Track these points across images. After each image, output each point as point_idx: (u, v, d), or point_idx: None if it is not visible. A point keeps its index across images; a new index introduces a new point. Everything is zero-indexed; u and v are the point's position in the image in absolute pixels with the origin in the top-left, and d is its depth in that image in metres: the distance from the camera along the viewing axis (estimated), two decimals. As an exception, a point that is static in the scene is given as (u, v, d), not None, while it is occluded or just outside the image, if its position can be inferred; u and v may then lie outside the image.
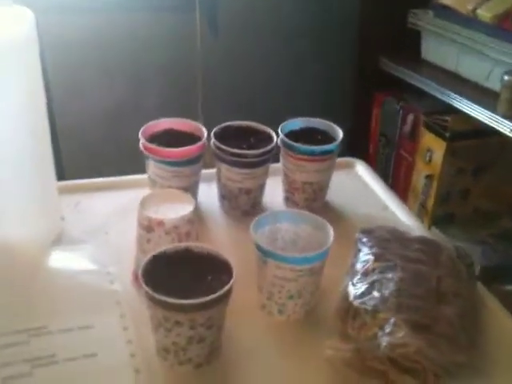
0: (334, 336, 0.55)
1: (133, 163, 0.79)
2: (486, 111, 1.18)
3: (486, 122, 1.18)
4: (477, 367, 0.54)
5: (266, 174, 0.75)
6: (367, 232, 0.66)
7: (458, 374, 0.53)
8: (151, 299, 0.49)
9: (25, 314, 0.55)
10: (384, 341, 0.51)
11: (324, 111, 0.86)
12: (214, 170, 0.78)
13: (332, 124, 0.78)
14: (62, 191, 0.75)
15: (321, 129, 0.79)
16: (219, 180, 0.76)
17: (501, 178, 1.38)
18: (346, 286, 0.58)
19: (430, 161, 1.38)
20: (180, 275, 0.52)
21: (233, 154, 0.71)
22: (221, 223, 0.76)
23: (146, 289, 0.49)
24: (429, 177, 1.39)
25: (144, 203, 0.60)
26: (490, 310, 0.62)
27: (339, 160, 0.80)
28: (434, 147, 1.36)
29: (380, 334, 0.52)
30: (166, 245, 0.58)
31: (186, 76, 1.55)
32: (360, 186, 0.87)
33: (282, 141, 0.74)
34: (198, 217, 0.61)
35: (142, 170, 0.76)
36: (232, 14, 1.55)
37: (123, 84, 1.56)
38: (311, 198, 0.77)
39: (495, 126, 1.16)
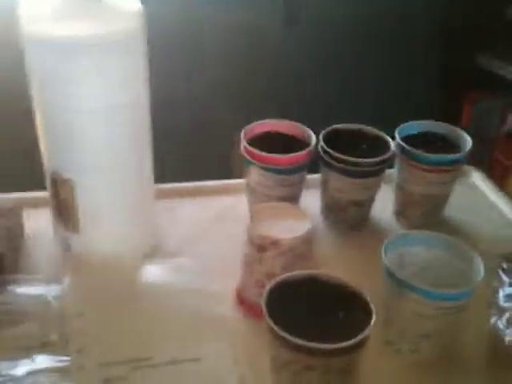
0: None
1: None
2: None
3: None
4: None
5: (379, 185, 0.67)
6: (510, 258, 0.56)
7: None
8: (278, 338, 0.41)
9: (125, 342, 0.49)
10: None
11: (412, 111, 0.76)
12: (314, 176, 0.70)
13: (456, 128, 0.69)
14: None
15: (440, 133, 0.69)
16: (325, 190, 0.68)
17: None
18: (495, 326, 0.49)
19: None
20: (307, 309, 0.45)
21: (346, 162, 0.63)
22: (325, 239, 0.68)
23: (272, 325, 0.41)
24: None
25: (254, 218, 0.53)
26: None
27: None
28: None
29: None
30: (278, 267, 0.51)
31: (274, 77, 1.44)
32: (479, 197, 0.77)
33: (401, 147, 0.65)
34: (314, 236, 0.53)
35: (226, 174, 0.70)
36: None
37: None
38: (428, 213, 0.68)
39: None
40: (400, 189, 0.68)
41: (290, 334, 0.40)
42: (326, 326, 0.43)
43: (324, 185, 0.67)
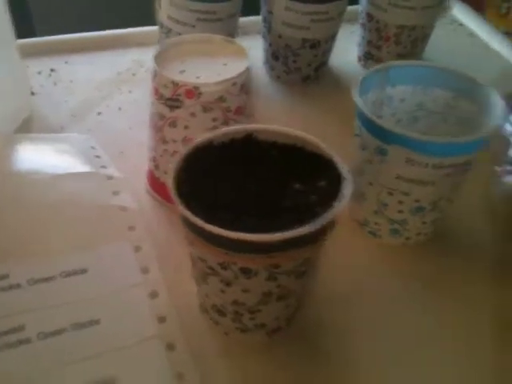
0: (495, 276, 0.32)
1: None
2: None
3: None
4: None
5: (341, 17, 0.49)
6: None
7: None
8: (196, 231, 0.25)
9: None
10: None
11: None
12: (255, 18, 0.52)
13: None
14: (29, 54, 0.50)
15: None
16: (269, 30, 0.49)
17: None
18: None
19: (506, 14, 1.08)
20: (244, 184, 0.28)
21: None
22: (272, 95, 0.51)
23: (187, 214, 0.25)
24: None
25: (163, 58, 0.35)
26: None
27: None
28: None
29: None
30: (203, 129, 0.33)
31: None
32: (462, 34, 0.60)
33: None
34: (250, 82, 0.36)
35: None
36: None
37: None
38: (406, 53, 0.51)
39: None
40: (370, 22, 0.51)
41: (210, 222, 0.24)
42: (276, 209, 0.27)
43: (267, 22, 0.49)
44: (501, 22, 1.08)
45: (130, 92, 0.49)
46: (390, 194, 0.33)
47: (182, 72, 0.34)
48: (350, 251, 0.35)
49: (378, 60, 0.52)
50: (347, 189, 0.26)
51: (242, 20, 0.51)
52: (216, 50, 0.36)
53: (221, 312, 0.29)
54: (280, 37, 0.49)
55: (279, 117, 0.46)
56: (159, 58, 0.35)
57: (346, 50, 0.55)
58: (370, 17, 0.51)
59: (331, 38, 0.50)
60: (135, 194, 0.35)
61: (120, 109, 0.46)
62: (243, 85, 0.34)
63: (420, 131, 0.34)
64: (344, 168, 0.27)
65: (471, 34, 0.60)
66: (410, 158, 0.31)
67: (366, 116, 0.32)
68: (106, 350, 0.28)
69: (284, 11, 0.47)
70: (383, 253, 0.36)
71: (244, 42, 0.46)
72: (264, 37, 0.51)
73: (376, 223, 0.36)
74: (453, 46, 0.57)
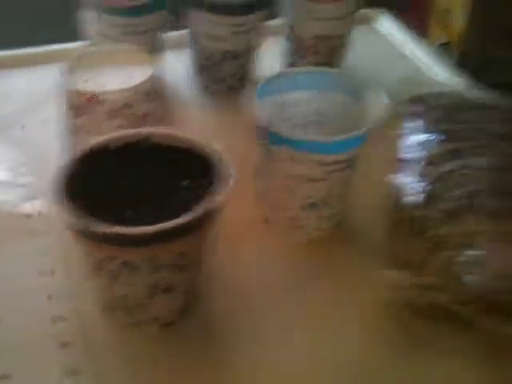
0: (388, 266, 0.34)
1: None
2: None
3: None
4: None
5: (261, 29, 0.51)
6: (418, 101, 0.44)
7: None
8: (79, 228, 0.27)
9: None
10: (471, 269, 0.31)
11: None
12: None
13: None
14: None
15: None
16: (194, 43, 0.52)
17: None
18: (398, 186, 0.37)
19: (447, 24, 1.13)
20: (135, 184, 0.30)
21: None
22: (199, 104, 0.53)
23: (67, 210, 0.27)
24: (444, 45, 1.15)
25: (71, 69, 0.37)
26: None
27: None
28: (452, 5, 1.10)
29: (465, 258, 0.32)
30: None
31: None
32: (385, 43, 0.64)
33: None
34: (163, 89, 0.38)
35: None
36: None
37: None
38: (325, 62, 0.54)
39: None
40: (290, 34, 0.54)
41: (96, 219, 0.26)
42: (163, 204, 0.29)
43: (193, 36, 0.51)
44: (443, 32, 1.13)
45: (54, 105, 0.50)
46: (284, 191, 0.36)
47: (87, 81, 0.36)
48: (252, 248, 0.38)
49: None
50: (222, 186, 0.28)
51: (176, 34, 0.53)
52: (124, 59, 0.39)
53: (113, 307, 0.31)
54: (204, 49, 0.51)
55: (197, 124, 0.48)
56: (68, 69, 0.37)
57: (275, 61, 0.57)
58: (291, 29, 0.53)
59: (252, 49, 0.52)
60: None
61: (44, 121, 0.48)
62: (149, 92, 0.37)
63: (324, 134, 0.37)
64: (225, 166, 0.29)
65: (393, 44, 0.64)
66: (296, 157, 0.33)
67: (256, 120, 0.34)
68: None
69: (205, 24, 0.49)
70: (284, 249, 0.38)
71: (175, 54, 0.49)
72: (191, 49, 0.53)
73: (276, 220, 0.38)
74: (374, 54, 0.60)
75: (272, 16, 0.54)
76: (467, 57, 0.82)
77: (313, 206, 0.36)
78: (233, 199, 0.40)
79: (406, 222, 0.35)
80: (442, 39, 1.14)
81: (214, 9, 0.47)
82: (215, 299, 0.34)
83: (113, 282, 0.28)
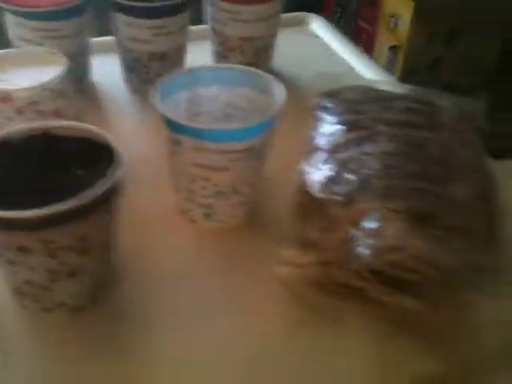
0: (288, 245, 0.36)
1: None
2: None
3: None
4: (501, 269, 0.37)
5: (185, 30, 0.53)
6: (331, 95, 0.46)
7: (476, 282, 0.35)
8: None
9: None
10: (364, 244, 0.33)
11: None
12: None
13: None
14: None
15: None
16: (120, 45, 0.53)
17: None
18: (304, 172, 0.39)
19: (395, 28, 1.16)
20: (33, 173, 0.32)
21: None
22: (127, 105, 0.54)
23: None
24: (393, 48, 1.18)
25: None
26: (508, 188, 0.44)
27: (287, 16, 0.59)
28: (399, 10, 1.14)
29: (358, 234, 0.34)
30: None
31: None
32: (317, 45, 0.66)
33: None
34: (70, 86, 0.39)
35: None
36: None
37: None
38: (252, 62, 0.56)
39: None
40: (216, 35, 0.56)
41: None
42: (60, 191, 0.30)
43: (118, 38, 0.53)
44: (390, 36, 1.16)
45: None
46: (193, 180, 0.37)
47: (4, 82, 0.37)
48: (166, 236, 0.39)
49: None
50: (113, 172, 0.30)
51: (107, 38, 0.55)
52: (38, 60, 0.40)
53: (21, 293, 0.32)
54: (129, 51, 0.53)
55: (122, 123, 0.49)
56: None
57: (205, 62, 0.59)
58: (214, 30, 0.55)
59: (178, 50, 0.54)
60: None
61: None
62: (59, 89, 0.38)
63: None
64: (118, 154, 0.31)
65: (324, 45, 0.66)
66: (199, 146, 0.35)
67: (160, 112, 0.36)
68: None
69: (127, 27, 0.51)
70: (197, 237, 0.39)
71: (106, 57, 0.50)
72: (118, 52, 0.55)
73: (190, 209, 0.39)
74: (305, 54, 0.63)
75: (199, 18, 0.56)
76: (414, 60, 0.85)
77: (222, 194, 0.38)
78: (152, 191, 0.42)
79: (307, 205, 0.37)
80: (391, 42, 1.18)
81: (134, 12, 0.49)
82: (127, 286, 0.36)
83: (14, 267, 0.29)
